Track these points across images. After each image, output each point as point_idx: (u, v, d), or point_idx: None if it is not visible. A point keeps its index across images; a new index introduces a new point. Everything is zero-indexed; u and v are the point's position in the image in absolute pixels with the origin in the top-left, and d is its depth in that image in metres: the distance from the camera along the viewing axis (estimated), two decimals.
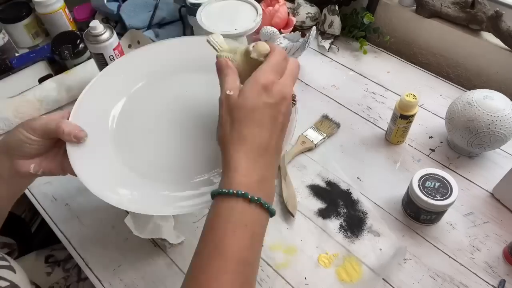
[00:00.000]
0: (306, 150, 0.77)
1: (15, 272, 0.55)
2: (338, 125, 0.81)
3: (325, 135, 0.78)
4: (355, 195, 0.70)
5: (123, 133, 0.57)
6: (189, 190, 0.52)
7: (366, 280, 0.60)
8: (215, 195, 0.42)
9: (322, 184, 0.72)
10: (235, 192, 0.40)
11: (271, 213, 0.42)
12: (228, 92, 0.43)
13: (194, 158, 0.55)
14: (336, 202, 0.69)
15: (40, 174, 0.52)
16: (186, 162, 0.54)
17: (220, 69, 0.47)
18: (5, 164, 0.51)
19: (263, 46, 0.46)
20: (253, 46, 0.46)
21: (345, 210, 0.68)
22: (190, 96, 0.60)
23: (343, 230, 0.66)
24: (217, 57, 0.48)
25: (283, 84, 0.45)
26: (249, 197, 0.40)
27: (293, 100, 0.49)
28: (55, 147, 0.54)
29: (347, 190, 0.71)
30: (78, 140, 0.52)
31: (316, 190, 0.71)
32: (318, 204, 0.69)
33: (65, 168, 0.54)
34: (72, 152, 0.53)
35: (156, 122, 0.58)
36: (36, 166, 0.52)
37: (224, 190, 0.41)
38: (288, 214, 0.68)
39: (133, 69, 0.62)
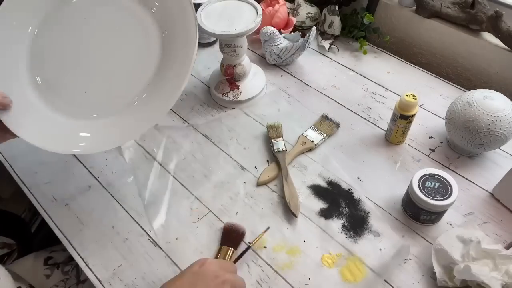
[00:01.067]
0: (306, 151, 0.77)
1: None
2: (337, 125, 0.81)
3: (325, 135, 0.78)
4: (357, 194, 0.70)
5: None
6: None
7: (370, 280, 0.60)
8: None
9: (323, 184, 0.72)
10: None
11: None
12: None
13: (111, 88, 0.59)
14: (338, 202, 0.69)
15: None
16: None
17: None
18: None
19: None
20: None
21: (347, 210, 0.68)
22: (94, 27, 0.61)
23: (345, 230, 0.66)
24: None
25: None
26: None
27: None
28: None
29: (349, 189, 0.71)
30: (4, 107, 0.55)
31: (317, 190, 0.71)
32: (320, 204, 0.69)
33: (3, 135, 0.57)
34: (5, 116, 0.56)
35: (73, 58, 0.60)
36: None
37: None
38: (290, 215, 0.68)
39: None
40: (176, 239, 0.66)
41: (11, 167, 0.78)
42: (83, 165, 0.77)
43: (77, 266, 0.64)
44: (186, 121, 0.84)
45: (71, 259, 0.65)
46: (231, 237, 0.64)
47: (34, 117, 0.58)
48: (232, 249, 0.63)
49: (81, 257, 0.65)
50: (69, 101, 0.59)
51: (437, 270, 0.57)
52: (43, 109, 0.59)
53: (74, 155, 0.79)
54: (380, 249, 0.63)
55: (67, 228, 0.68)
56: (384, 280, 0.60)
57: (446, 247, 0.57)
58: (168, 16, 0.59)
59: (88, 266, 0.63)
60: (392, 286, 0.60)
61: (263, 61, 0.96)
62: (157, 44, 0.60)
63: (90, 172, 0.76)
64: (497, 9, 0.79)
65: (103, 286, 0.62)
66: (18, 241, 0.91)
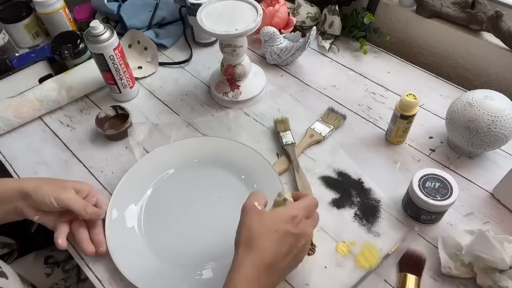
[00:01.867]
0: (314, 143, 0.78)
1: (7, 278, 0.55)
2: (344, 117, 0.82)
3: (332, 127, 0.79)
4: (367, 184, 0.71)
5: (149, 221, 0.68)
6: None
7: (385, 265, 0.61)
8: None
9: (334, 175, 0.73)
10: None
11: None
12: (256, 203, 0.50)
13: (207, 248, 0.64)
14: (349, 191, 0.71)
15: (35, 220, 0.61)
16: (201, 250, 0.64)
17: (252, 194, 0.54)
18: (18, 202, 0.60)
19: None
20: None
21: (358, 199, 0.70)
22: (208, 189, 0.71)
23: (358, 219, 0.67)
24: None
25: (308, 223, 0.51)
26: None
27: (312, 248, 0.56)
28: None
29: (359, 179, 0.72)
30: (98, 217, 0.63)
31: (328, 181, 0.72)
32: (332, 195, 0.71)
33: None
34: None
35: (178, 213, 0.69)
36: (40, 218, 0.61)
37: None
38: None
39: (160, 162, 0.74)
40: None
41: (11, 167, 0.78)
42: (83, 165, 0.77)
43: (77, 264, 0.64)
44: (186, 121, 0.84)
45: (71, 257, 0.65)
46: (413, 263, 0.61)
47: (134, 255, 0.64)
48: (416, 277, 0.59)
49: (81, 257, 0.65)
50: (164, 247, 0.65)
51: (442, 257, 0.59)
52: (145, 251, 0.64)
53: (74, 154, 0.79)
54: (380, 249, 0.63)
55: None
56: (384, 280, 0.60)
57: (454, 235, 0.59)
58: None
59: (88, 266, 0.63)
60: (392, 286, 0.60)
61: (263, 61, 0.96)
62: None
63: (90, 172, 0.76)
64: (498, 9, 0.79)
65: (103, 286, 0.62)
66: (18, 241, 0.91)
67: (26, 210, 0.60)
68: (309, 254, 0.55)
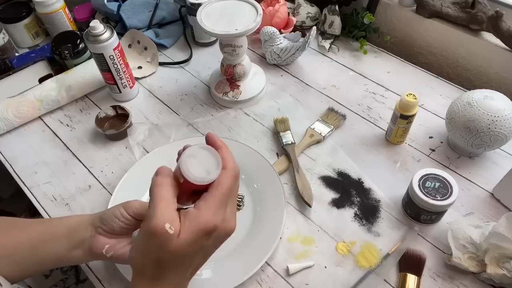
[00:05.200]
0: (314, 143, 0.78)
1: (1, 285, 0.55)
2: (344, 117, 0.82)
3: (332, 127, 0.79)
4: (367, 184, 0.71)
5: None
6: None
7: (385, 265, 0.61)
8: None
9: (333, 175, 0.73)
10: None
11: None
12: (168, 228, 0.38)
13: None
14: (349, 191, 0.71)
15: (109, 257, 0.51)
16: None
17: (157, 186, 0.40)
18: (87, 232, 0.52)
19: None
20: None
21: (358, 199, 0.70)
22: None
23: (358, 219, 0.67)
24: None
25: (229, 220, 0.41)
26: None
27: (239, 203, 0.50)
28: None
29: (359, 179, 0.72)
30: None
31: (328, 181, 0.73)
32: (332, 195, 0.71)
33: None
34: None
35: None
36: (110, 248, 0.51)
37: None
38: (303, 205, 0.69)
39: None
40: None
41: (11, 167, 0.78)
42: (83, 165, 0.77)
43: (76, 265, 0.64)
44: (186, 121, 0.84)
45: None
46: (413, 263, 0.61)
47: None
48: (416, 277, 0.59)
49: None
50: None
51: (453, 247, 0.59)
52: None
53: (74, 154, 0.79)
54: (380, 249, 0.63)
55: None
56: (384, 280, 0.60)
57: (464, 228, 0.60)
58: (262, 197, 0.69)
59: (88, 266, 0.63)
60: (392, 286, 0.60)
61: (263, 61, 0.96)
62: (249, 216, 0.67)
63: (90, 172, 0.76)
64: (498, 9, 0.79)
65: (103, 286, 0.62)
66: None
67: (95, 239, 0.51)
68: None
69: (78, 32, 0.92)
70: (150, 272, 0.39)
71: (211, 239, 0.40)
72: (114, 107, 0.82)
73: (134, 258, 0.42)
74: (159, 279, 0.39)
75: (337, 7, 0.96)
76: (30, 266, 0.51)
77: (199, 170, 0.39)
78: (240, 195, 0.48)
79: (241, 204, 0.49)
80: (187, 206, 0.43)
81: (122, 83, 0.84)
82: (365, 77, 0.91)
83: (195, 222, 0.38)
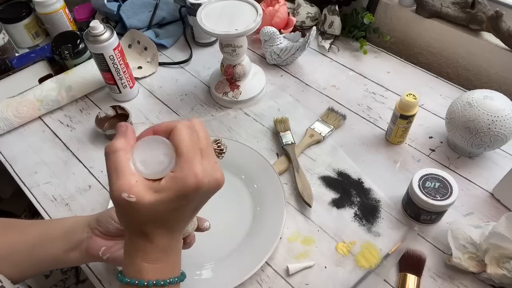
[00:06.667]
0: (314, 143, 0.78)
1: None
2: (344, 117, 0.82)
3: (332, 127, 0.79)
4: (367, 184, 0.71)
5: None
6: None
7: (385, 265, 0.61)
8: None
9: (333, 175, 0.74)
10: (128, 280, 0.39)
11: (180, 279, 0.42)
12: (125, 197, 0.35)
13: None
14: (349, 191, 0.71)
15: (105, 259, 0.51)
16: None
17: (107, 155, 0.37)
18: (84, 234, 0.51)
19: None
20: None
21: (358, 199, 0.70)
22: None
23: (358, 219, 0.67)
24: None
25: (210, 172, 0.37)
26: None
27: (221, 151, 0.44)
28: None
29: (359, 179, 0.72)
30: (203, 231, 0.53)
31: (328, 181, 0.73)
32: (332, 195, 0.71)
33: None
34: None
35: None
36: (106, 250, 0.51)
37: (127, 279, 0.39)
38: (303, 205, 0.69)
39: None
40: None
41: (11, 167, 0.78)
42: (83, 165, 0.77)
43: (76, 266, 0.64)
44: None
45: None
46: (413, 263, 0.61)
47: None
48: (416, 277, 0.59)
49: None
50: None
51: (453, 247, 0.59)
52: None
53: (74, 154, 0.79)
54: (380, 249, 0.63)
55: None
56: (384, 280, 0.60)
57: (463, 228, 0.60)
58: (262, 197, 0.69)
59: (88, 266, 0.63)
60: (392, 286, 0.60)
61: (263, 61, 0.96)
62: (249, 216, 0.68)
63: (90, 172, 0.76)
64: (497, 9, 0.79)
65: (103, 286, 0.62)
66: None
67: (92, 241, 0.51)
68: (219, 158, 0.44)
69: (78, 32, 0.92)
70: (135, 231, 0.38)
71: (198, 195, 0.37)
72: (114, 107, 0.82)
73: (120, 222, 0.41)
74: (148, 235, 0.38)
75: (337, 7, 0.96)
76: (29, 267, 0.51)
77: (150, 165, 0.37)
78: (217, 139, 0.44)
79: (222, 148, 0.43)
80: None
81: (122, 83, 0.84)
82: (365, 77, 0.91)
83: (172, 184, 0.36)
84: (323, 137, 0.78)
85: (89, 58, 0.91)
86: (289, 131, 0.78)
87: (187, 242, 0.50)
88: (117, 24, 1.03)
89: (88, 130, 0.83)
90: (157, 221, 0.37)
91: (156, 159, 0.37)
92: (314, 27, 0.88)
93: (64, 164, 0.78)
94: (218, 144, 0.43)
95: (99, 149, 0.80)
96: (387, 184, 0.71)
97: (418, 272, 0.60)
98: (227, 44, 0.77)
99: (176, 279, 0.41)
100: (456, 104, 0.70)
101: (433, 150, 0.76)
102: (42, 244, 0.51)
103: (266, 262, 0.62)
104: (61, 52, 0.88)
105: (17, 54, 0.98)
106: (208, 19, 0.74)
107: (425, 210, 0.62)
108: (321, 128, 0.79)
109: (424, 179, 0.63)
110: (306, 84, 0.90)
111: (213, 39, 1.00)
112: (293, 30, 0.99)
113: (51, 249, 0.51)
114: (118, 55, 0.79)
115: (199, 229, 0.52)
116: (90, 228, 0.51)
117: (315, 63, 0.95)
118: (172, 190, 0.35)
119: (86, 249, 0.51)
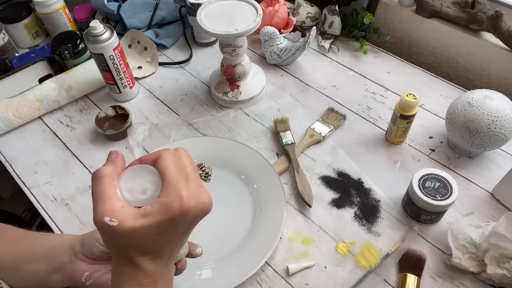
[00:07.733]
0: (314, 143, 0.78)
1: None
2: (344, 117, 0.82)
3: (332, 127, 0.79)
4: (367, 184, 0.71)
5: None
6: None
7: (385, 265, 0.61)
8: None
9: (333, 175, 0.74)
10: None
11: None
12: (107, 221, 0.35)
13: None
14: (349, 191, 0.71)
15: (88, 285, 0.48)
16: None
17: (92, 182, 0.38)
18: (66, 257, 0.49)
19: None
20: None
21: (358, 199, 0.70)
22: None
23: (358, 219, 0.67)
24: None
25: (195, 196, 0.37)
26: None
27: (207, 175, 0.44)
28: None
29: (359, 179, 0.72)
30: (194, 257, 0.51)
31: (328, 181, 0.73)
32: (332, 195, 0.71)
33: None
34: None
35: None
36: (89, 275, 0.48)
37: None
38: (303, 205, 0.69)
39: None
40: None
41: (11, 167, 0.78)
42: (83, 165, 0.77)
43: None
44: (186, 121, 0.84)
45: None
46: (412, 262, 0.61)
47: None
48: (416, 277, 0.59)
49: None
50: None
51: (453, 247, 0.59)
52: None
53: (74, 154, 0.79)
54: (380, 249, 0.63)
55: (67, 228, 0.68)
56: (384, 280, 0.60)
57: (463, 228, 0.60)
58: (262, 197, 0.69)
59: None
60: (392, 286, 0.60)
61: (263, 61, 0.96)
62: (249, 216, 0.68)
63: (90, 172, 0.76)
64: (497, 9, 0.79)
65: None
66: None
67: (75, 265, 0.48)
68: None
69: (78, 32, 0.92)
70: (121, 255, 0.38)
71: (184, 218, 0.36)
72: (114, 107, 0.82)
73: (105, 246, 0.40)
74: (133, 260, 0.37)
75: (337, 7, 0.96)
76: (14, 283, 0.50)
77: (135, 193, 0.37)
78: (201, 164, 0.44)
79: (207, 171, 0.44)
80: None
81: (122, 83, 0.84)
82: (365, 77, 0.91)
83: (158, 208, 0.36)
84: (323, 137, 0.78)
85: (89, 58, 0.91)
86: (289, 131, 0.78)
87: (178, 268, 0.49)
88: (117, 24, 1.03)
89: (88, 130, 0.83)
90: (141, 246, 0.37)
91: (142, 186, 0.37)
92: (314, 27, 0.88)
93: (64, 164, 0.78)
94: (203, 168, 0.43)
95: (99, 149, 0.80)
96: (387, 184, 0.71)
97: (418, 272, 0.60)
98: (227, 44, 0.77)
99: None
100: (456, 104, 0.70)
101: (433, 150, 0.76)
102: (24, 264, 0.49)
103: (266, 262, 0.62)
104: (61, 52, 0.88)
105: (17, 54, 0.98)
106: (208, 19, 0.74)
107: (425, 210, 0.62)
108: (321, 128, 0.79)
109: (424, 179, 0.63)
110: (306, 84, 0.90)
111: (213, 39, 1.00)
112: (293, 30, 0.99)
113: (33, 270, 0.49)
114: (118, 55, 0.79)
115: (190, 254, 0.50)
116: (73, 251, 0.49)
117: (315, 63, 0.95)
118: (157, 214, 0.35)
119: (68, 273, 0.48)
